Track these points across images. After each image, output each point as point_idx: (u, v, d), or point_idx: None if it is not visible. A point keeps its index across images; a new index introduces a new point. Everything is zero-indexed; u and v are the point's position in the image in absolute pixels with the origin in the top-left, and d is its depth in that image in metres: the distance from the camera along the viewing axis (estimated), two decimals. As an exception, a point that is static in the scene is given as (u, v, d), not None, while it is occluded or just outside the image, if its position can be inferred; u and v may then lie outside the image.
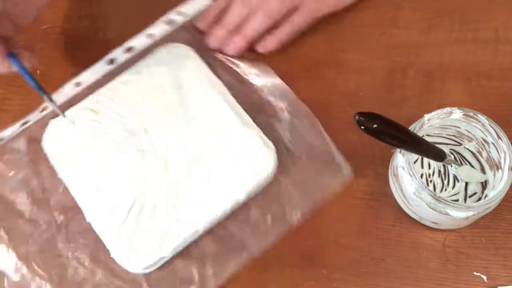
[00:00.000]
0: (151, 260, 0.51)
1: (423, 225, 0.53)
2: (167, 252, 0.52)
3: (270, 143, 0.55)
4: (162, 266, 0.53)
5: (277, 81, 0.60)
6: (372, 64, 0.61)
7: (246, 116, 0.56)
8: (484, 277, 0.52)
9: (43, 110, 0.58)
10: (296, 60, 0.61)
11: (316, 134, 0.57)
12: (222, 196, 0.53)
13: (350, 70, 0.61)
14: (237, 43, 0.60)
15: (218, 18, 0.61)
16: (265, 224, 0.54)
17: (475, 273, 0.52)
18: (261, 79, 0.60)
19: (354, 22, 0.63)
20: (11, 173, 0.56)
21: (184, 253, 0.53)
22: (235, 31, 0.60)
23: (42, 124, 0.58)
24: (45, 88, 0.52)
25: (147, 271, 0.52)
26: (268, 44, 0.60)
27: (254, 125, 0.56)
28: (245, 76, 0.60)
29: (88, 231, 0.54)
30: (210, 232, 0.54)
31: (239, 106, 0.57)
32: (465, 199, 0.54)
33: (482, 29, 0.62)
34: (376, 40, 0.62)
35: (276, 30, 0.60)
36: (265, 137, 0.55)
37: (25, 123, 0.58)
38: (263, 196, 0.55)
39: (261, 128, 0.56)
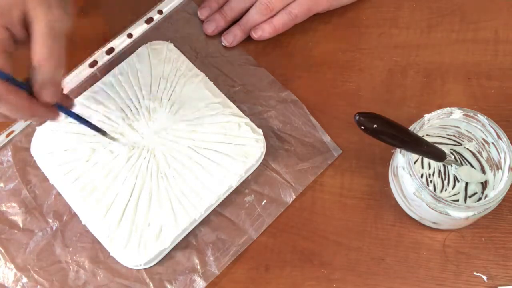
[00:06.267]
0: (151, 254, 0.52)
1: (423, 225, 0.53)
2: (167, 244, 0.52)
3: (258, 129, 0.56)
4: (163, 259, 0.53)
5: (261, 68, 0.60)
6: (372, 64, 0.61)
7: (232, 105, 0.58)
8: (484, 277, 0.52)
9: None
10: (296, 60, 0.61)
11: (303, 118, 0.58)
12: (215, 183, 0.54)
13: (350, 70, 0.61)
14: (237, 36, 0.61)
15: (219, 7, 0.62)
16: (260, 207, 0.55)
17: (475, 273, 0.52)
18: (243, 68, 0.61)
19: (354, 22, 0.63)
20: (1, 185, 0.56)
21: (184, 244, 0.54)
22: (232, 20, 0.62)
23: (27, 133, 0.58)
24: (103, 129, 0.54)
25: (148, 265, 0.53)
26: (264, 33, 0.60)
27: (241, 113, 0.57)
28: (228, 67, 0.61)
29: (85, 234, 0.54)
30: (207, 220, 0.54)
31: (224, 96, 0.58)
32: (465, 199, 0.54)
33: (482, 29, 0.62)
34: (376, 40, 0.62)
35: (272, 18, 0.60)
36: (252, 124, 0.56)
37: (10, 133, 0.58)
38: (255, 181, 0.56)
39: (248, 116, 0.57)
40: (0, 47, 0.41)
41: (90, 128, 0.53)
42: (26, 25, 0.43)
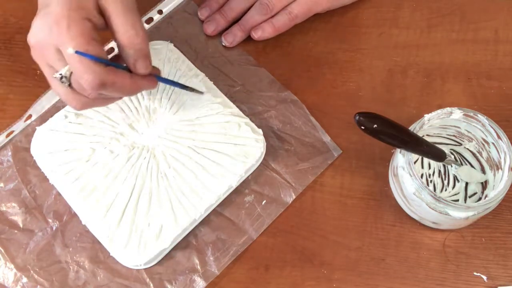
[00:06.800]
0: (151, 254, 0.52)
1: (423, 225, 0.53)
2: (167, 244, 0.52)
3: (258, 129, 0.56)
4: (163, 259, 0.53)
5: (261, 68, 0.60)
6: (372, 64, 0.61)
7: (232, 105, 0.58)
8: (484, 277, 0.52)
9: (26, 119, 0.58)
10: (296, 60, 0.61)
11: (303, 118, 0.58)
12: (215, 183, 0.54)
13: (350, 70, 0.61)
14: (237, 36, 0.61)
15: (219, 7, 0.62)
16: (260, 207, 0.55)
17: (475, 273, 0.52)
18: (243, 68, 0.61)
19: (354, 22, 0.63)
20: (1, 185, 0.56)
21: (184, 244, 0.54)
22: (233, 20, 0.62)
23: (27, 133, 0.58)
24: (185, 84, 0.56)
25: (148, 265, 0.53)
26: (264, 33, 0.60)
27: (241, 113, 0.57)
28: (228, 67, 0.61)
29: (85, 234, 0.54)
30: (207, 220, 0.54)
31: (224, 96, 0.58)
32: (465, 199, 0.54)
33: (482, 29, 0.62)
34: (376, 40, 0.62)
35: (272, 18, 0.60)
36: (252, 124, 0.57)
37: (10, 133, 0.58)
38: (255, 181, 0.56)
39: (248, 116, 0.57)
40: (89, 37, 0.43)
41: (182, 88, 0.55)
42: (99, 11, 0.45)
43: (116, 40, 0.45)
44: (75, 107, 0.47)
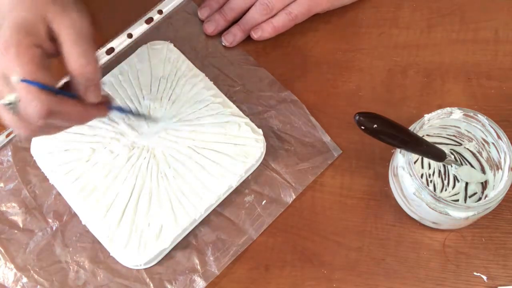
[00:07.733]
0: (151, 254, 0.52)
1: (423, 225, 0.53)
2: (167, 244, 0.52)
3: (258, 129, 0.56)
4: (163, 259, 0.53)
5: (261, 68, 0.60)
6: (372, 64, 0.61)
7: (232, 105, 0.58)
8: (484, 277, 0.52)
9: None
10: (296, 60, 0.61)
11: (303, 118, 0.58)
12: (215, 183, 0.54)
13: (350, 70, 0.61)
14: (237, 36, 0.61)
15: (219, 7, 0.62)
16: (260, 207, 0.55)
17: (475, 273, 0.52)
18: (243, 68, 0.61)
19: (354, 22, 0.63)
20: (1, 185, 0.56)
21: (184, 244, 0.54)
22: (233, 20, 0.62)
23: None
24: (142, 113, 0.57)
25: (148, 265, 0.53)
26: (264, 33, 0.60)
27: (241, 113, 0.57)
28: (228, 67, 0.61)
29: (85, 234, 0.54)
30: (207, 220, 0.54)
31: (224, 96, 0.58)
32: (465, 199, 0.54)
33: (482, 29, 0.62)
34: (376, 40, 0.62)
35: (272, 18, 0.60)
36: (252, 124, 0.57)
37: (10, 133, 0.58)
38: (255, 181, 0.56)
39: (248, 116, 0.57)
40: (38, 64, 0.42)
41: (133, 116, 0.56)
42: (51, 37, 0.44)
43: (67, 68, 0.44)
44: (23, 134, 0.45)
